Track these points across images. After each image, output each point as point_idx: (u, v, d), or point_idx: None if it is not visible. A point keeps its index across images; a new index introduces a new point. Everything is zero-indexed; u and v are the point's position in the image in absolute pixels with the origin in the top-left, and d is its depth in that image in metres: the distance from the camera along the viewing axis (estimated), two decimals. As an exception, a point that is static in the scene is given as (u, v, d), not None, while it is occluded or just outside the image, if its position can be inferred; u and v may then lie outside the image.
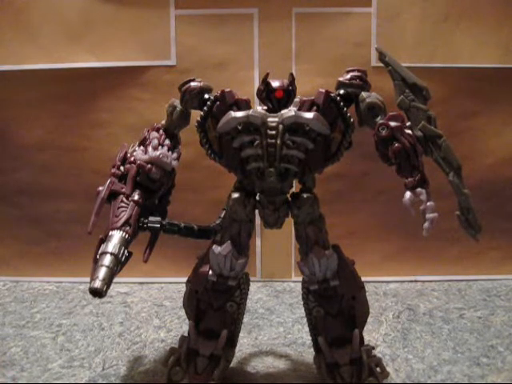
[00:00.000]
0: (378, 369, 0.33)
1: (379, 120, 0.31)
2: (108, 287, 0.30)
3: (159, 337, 0.44)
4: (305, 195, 0.32)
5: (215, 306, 0.34)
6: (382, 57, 0.31)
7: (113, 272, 0.30)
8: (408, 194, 0.30)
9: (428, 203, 0.30)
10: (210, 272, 0.33)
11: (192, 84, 0.33)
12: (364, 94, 0.31)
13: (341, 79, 0.32)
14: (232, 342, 0.35)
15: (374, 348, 0.34)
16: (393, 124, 0.30)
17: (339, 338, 0.33)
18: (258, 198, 0.32)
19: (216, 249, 0.33)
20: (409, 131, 0.31)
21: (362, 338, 0.33)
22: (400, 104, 0.31)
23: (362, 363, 0.33)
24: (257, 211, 0.33)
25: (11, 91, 0.55)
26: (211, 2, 0.54)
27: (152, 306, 0.50)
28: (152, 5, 0.54)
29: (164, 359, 0.35)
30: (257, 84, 0.54)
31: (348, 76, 0.32)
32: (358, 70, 0.32)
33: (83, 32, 0.54)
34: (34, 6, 0.55)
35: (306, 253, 0.33)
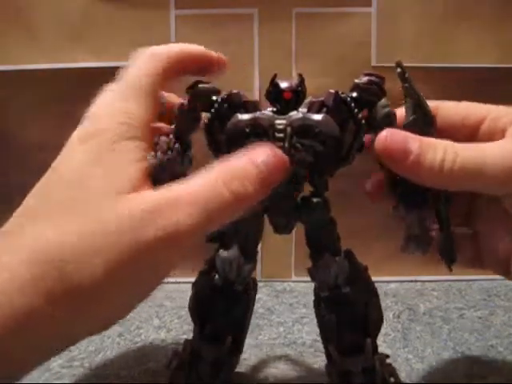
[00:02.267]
0: (391, 379, 0.32)
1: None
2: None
3: (159, 337, 0.44)
4: (314, 200, 0.31)
5: (221, 311, 0.33)
6: (402, 73, 0.30)
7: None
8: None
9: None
10: (216, 276, 0.33)
11: (199, 86, 0.32)
12: (384, 101, 0.30)
13: (357, 81, 0.30)
14: (237, 347, 0.34)
15: (388, 356, 0.33)
16: None
17: (351, 346, 0.32)
18: (266, 202, 0.31)
19: (222, 253, 0.32)
20: None
21: (375, 346, 0.33)
22: (410, 123, 0.30)
23: (374, 372, 0.32)
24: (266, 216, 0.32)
25: (11, 91, 0.55)
26: (211, 2, 0.54)
27: (152, 306, 0.50)
28: (152, 5, 0.54)
29: (167, 362, 0.34)
30: (257, 84, 0.54)
31: (365, 79, 0.30)
32: (377, 76, 0.30)
33: (83, 32, 0.54)
34: (35, 6, 0.55)
35: (316, 258, 0.32)
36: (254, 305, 0.35)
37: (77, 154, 0.26)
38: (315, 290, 0.33)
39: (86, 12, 0.55)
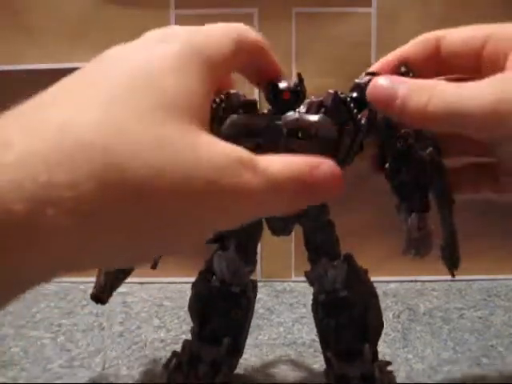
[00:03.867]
0: None
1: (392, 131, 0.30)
2: (110, 293, 0.29)
3: (159, 337, 0.44)
4: None
5: (220, 312, 0.33)
6: (407, 72, 0.29)
7: (116, 278, 0.30)
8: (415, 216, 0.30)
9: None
10: (214, 277, 0.32)
11: None
12: None
13: (358, 81, 0.29)
14: (237, 349, 0.34)
15: (389, 363, 0.32)
16: (410, 141, 0.30)
17: (350, 351, 0.31)
18: None
19: (220, 254, 0.32)
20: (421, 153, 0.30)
21: (375, 353, 0.32)
22: None
23: (373, 379, 0.31)
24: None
25: (11, 91, 0.55)
26: (211, 2, 0.54)
27: (152, 306, 0.50)
28: (152, 5, 0.54)
29: (165, 363, 0.34)
30: (257, 84, 0.54)
31: (367, 79, 0.29)
32: (378, 75, 0.29)
33: (83, 32, 0.54)
34: (34, 6, 0.55)
35: (314, 261, 0.32)
36: (253, 307, 0.35)
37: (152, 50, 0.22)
38: (314, 293, 0.33)
39: (86, 12, 0.55)
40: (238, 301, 0.33)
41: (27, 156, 0.16)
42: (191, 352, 0.33)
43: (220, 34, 0.24)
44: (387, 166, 0.30)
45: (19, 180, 0.16)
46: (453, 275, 0.31)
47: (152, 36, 0.23)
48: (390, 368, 0.32)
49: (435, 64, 0.30)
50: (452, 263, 0.31)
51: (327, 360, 0.33)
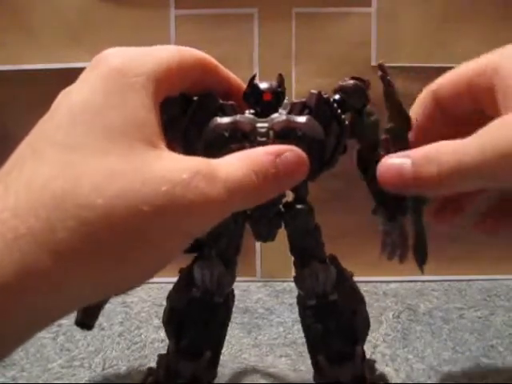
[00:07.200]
0: (381, 383, 0.32)
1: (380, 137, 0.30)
2: (95, 318, 0.29)
3: (159, 337, 0.44)
4: (298, 206, 0.30)
5: (198, 325, 0.31)
6: (383, 76, 0.29)
7: (100, 301, 0.29)
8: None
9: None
10: (194, 288, 0.31)
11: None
12: (369, 108, 0.29)
13: (342, 84, 0.29)
14: (214, 362, 0.32)
15: (375, 362, 0.32)
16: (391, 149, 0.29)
17: (340, 355, 0.31)
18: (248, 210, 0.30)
19: (202, 263, 0.30)
20: None
21: (363, 353, 0.31)
22: (388, 130, 0.29)
23: (364, 380, 0.31)
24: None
25: (11, 91, 0.55)
26: (211, 2, 0.54)
27: (152, 306, 0.50)
28: (152, 5, 0.54)
29: (141, 379, 0.33)
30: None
31: (351, 83, 0.29)
32: (362, 81, 0.29)
33: (83, 32, 0.55)
34: (34, 6, 0.55)
35: (301, 267, 0.31)
36: (231, 317, 0.33)
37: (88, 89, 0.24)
38: (299, 298, 0.32)
39: (86, 12, 0.55)
40: (219, 311, 0.32)
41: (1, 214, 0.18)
42: (168, 367, 0.31)
43: (158, 50, 0.26)
44: (369, 171, 0.30)
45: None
46: (422, 271, 0.31)
47: (89, 65, 0.25)
48: (389, 368, 0.32)
49: (440, 116, 0.31)
50: (420, 261, 0.31)
51: (316, 365, 0.31)
